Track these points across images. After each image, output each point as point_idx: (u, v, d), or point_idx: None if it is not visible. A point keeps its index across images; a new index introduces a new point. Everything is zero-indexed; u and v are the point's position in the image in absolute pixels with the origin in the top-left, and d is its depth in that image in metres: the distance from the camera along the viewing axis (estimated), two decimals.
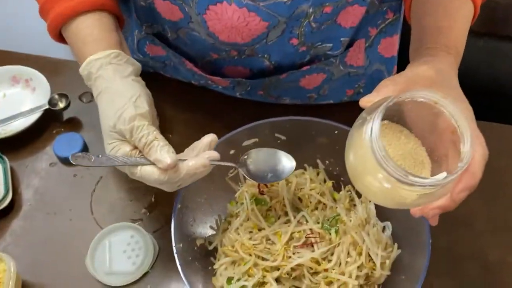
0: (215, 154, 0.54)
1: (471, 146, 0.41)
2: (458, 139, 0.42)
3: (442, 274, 0.64)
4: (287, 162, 0.61)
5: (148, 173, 0.52)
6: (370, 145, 0.41)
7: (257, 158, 0.60)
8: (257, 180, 0.60)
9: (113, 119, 0.53)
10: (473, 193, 0.71)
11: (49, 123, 0.82)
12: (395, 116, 0.46)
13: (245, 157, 0.60)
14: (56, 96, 0.81)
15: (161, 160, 0.50)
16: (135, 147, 0.53)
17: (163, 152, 0.51)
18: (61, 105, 0.81)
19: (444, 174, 0.42)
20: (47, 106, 0.80)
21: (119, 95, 0.54)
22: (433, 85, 0.47)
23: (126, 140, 0.53)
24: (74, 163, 0.54)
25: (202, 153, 0.53)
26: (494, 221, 0.71)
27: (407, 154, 0.46)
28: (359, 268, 0.61)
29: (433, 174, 0.46)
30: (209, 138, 0.54)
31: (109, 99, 0.54)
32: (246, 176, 0.59)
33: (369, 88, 0.78)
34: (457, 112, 0.42)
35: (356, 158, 0.45)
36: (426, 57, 0.52)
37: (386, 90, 0.47)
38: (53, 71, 0.87)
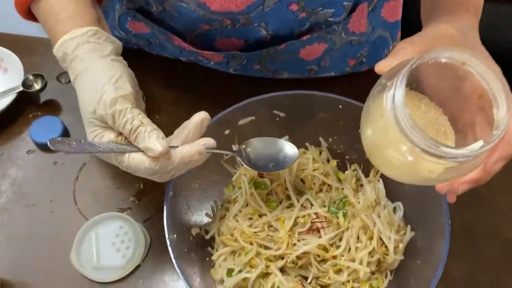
0: (211, 141, 0.48)
1: (508, 110, 0.36)
2: (487, 104, 0.37)
3: (457, 256, 0.60)
4: (289, 149, 0.56)
5: (137, 162, 0.46)
6: (392, 114, 0.36)
7: (257, 147, 0.55)
8: (258, 169, 0.55)
9: (92, 103, 0.47)
10: None
11: (24, 106, 0.76)
12: (413, 82, 0.41)
13: (244, 146, 0.55)
14: (31, 77, 0.74)
15: (151, 148, 0.45)
16: (121, 134, 0.47)
17: (152, 139, 0.45)
18: (37, 86, 0.74)
19: (480, 143, 0.37)
20: (21, 88, 0.74)
21: (98, 77, 0.48)
22: (456, 45, 0.41)
23: (110, 127, 0.47)
24: (53, 149, 0.48)
25: (197, 140, 0.48)
26: None
27: (428, 124, 0.41)
28: (371, 253, 0.56)
29: (457, 145, 0.41)
30: (200, 116, 0.49)
31: (87, 81, 0.48)
32: (246, 166, 0.54)
33: (372, 57, 0.72)
34: (489, 72, 0.37)
35: (376, 130, 0.40)
36: (445, 16, 0.46)
37: (404, 53, 0.42)
38: (26, 50, 0.80)
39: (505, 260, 0.62)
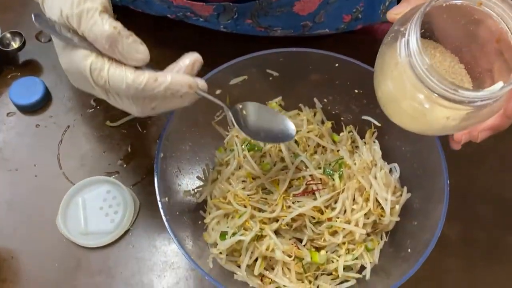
0: (202, 82, 0.44)
1: None
2: (506, 46, 0.36)
3: (451, 216, 0.59)
4: (288, 127, 0.51)
5: (118, 77, 0.39)
6: (408, 60, 0.34)
7: (254, 111, 0.50)
8: (247, 134, 0.49)
9: (59, 3, 0.40)
10: None
11: (2, 66, 0.71)
12: (427, 31, 0.39)
13: (240, 106, 0.49)
14: (8, 35, 0.70)
15: (132, 55, 0.39)
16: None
17: (133, 45, 0.40)
18: (15, 45, 0.70)
19: (500, 84, 0.35)
20: None
21: None
22: None
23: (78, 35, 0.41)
24: (37, 25, 0.41)
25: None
26: (507, 159, 0.66)
27: (444, 73, 0.39)
28: (366, 215, 0.55)
29: None
30: (192, 57, 0.43)
31: None
32: (235, 126, 0.48)
33: (368, 12, 0.69)
34: (508, 11, 0.35)
35: (391, 80, 0.38)
36: None
37: None
38: (2, 6, 0.76)
39: (498, 218, 0.62)
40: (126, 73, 0.40)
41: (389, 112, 0.41)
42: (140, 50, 0.41)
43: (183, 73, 0.43)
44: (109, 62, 0.40)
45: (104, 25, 0.39)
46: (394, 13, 0.39)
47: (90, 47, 0.40)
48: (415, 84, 0.35)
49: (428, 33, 0.39)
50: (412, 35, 0.34)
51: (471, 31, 0.38)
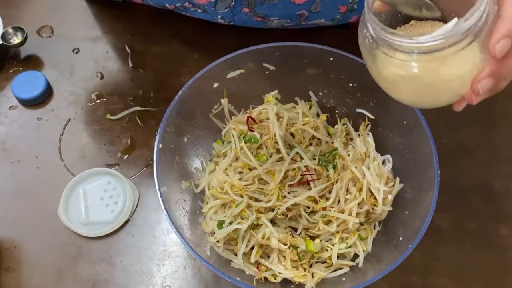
0: None
1: None
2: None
3: (443, 207, 0.60)
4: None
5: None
6: (373, 42, 0.37)
7: None
8: None
9: None
10: (474, 121, 0.69)
11: (5, 61, 0.73)
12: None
13: None
14: (10, 30, 0.72)
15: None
16: None
17: None
18: (17, 40, 0.71)
19: (454, 20, 0.35)
20: (0, 42, 0.71)
21: None
22: None
23: None
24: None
25: None
26: (496, 150, 0.67)
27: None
28: (360, 205, 0.56)
29: None
30: None
31: None
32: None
33: (363, 3, 0.70)
34: None
35: (378, 69, 0.39)
36: None
37: None
38: (4, 2, 0.77)
39: (489, 210, 0.64)
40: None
41: (396, 96, 0.42)
42: None
43: None
44: None
45: None
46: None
47: None
48: (390, 60, 0.36)
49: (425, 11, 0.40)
50: (368, 21, 0.36)
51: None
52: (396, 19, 0.42)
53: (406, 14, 0.41)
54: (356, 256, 0.57)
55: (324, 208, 0.56)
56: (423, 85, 0.38)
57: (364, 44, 0.40)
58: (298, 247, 0.55)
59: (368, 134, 0.62)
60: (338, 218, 0.56)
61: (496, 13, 0.36)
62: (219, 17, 0.67)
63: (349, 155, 0.59)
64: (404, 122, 0.57)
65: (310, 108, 0.65)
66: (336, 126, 0.64)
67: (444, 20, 0.40)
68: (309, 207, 0.56)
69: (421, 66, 0.37)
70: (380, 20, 0.38)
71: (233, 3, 0.64)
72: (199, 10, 0.67)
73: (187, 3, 0.65)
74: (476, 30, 0.35)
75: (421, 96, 0.40)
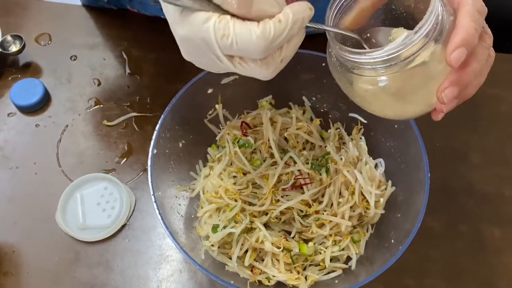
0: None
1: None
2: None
3: (436, 209, 0.62)
4: None
5: (246, 32, 0.35)
6: (339, 64, 0.39)
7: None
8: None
9: None
10: (466, 125, 0.70)
11: (3, 69, 0.74)
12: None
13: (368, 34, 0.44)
14: (9, 38, 0.73)
15: (268, 10, 0.35)
16: None
17: None
18: (15, 48, 0.73)
19: (404, 33, 0.37)
20: None
21: None
22: None
23: None
24: None
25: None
26: (489, 154, 0.68)
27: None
28: (352, 208, 0.57)
29: None
30: None
31: None
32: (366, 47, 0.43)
33: None
34: None
35: (350, 88, 0.41)
36: None
37: None
38: (3, 11, 0.78)
39: (481, 212, 0.64)
40: (252, 27, 0.35)
41: (370, 110, 0.43)
42: (276, 2, 0.36)
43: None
44: (232, 20, 0.35)
45: None
46: None
47: (211, 9, 0.36)
48: (352, 73, 0.39)
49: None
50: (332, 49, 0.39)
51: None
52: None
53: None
54: (349, 258, 0.57)
55: (317, 212, 0.57)
56: (392, 98, 0.39)
57: (333, 67, 0.42)
58: (291, 250, 0.56)
59: (360, 138, 0.63)
60: (331, 221, 0.57)
61: (452, 23, 0.37)
62: None
63: (341, 159, 0.59)
64: (396, 126, 0.58)
65: (303, 113, 0.65)
66: (329, 131, 0.65)
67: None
68: (302, 211, 0.57)
69: (387, 80, 0.38)
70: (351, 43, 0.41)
71: None
72: None
73: None
74: (432, 40, 0.36)
75: (392, 108, 0.42)
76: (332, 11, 0.41)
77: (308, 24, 0.38)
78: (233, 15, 0.35)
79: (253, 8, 0.35)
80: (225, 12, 0.35)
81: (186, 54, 0.39)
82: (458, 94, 0.38)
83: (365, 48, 0.41)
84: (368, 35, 0.42)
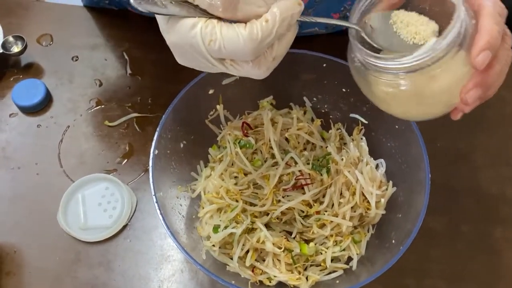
0: None
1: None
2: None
3: (438, 210, 0.61)
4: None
5: (233, 35, 0.35)
6: (361, 66, 0.39)
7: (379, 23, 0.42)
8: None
9: None
10: (467, 126, 0.70)
11: (5, 69, 0.74)
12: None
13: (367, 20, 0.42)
14: (11, 39, 0.73)
15: (253, 10, 0.35)
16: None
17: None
18: (17, 48, 0.73)
19: (433, 40, 0.37)
20: (1, 50, 0.72)
21: None
22: None
23: None
24: (137, 7, 0.36)
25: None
26: (491, 154, 0.68)
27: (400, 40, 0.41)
28: (353, 208, 0.57)
29: None
30: None
31: None
32: (369, 41, 0.41)
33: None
34: None
35: (370, 89, 0.41)
36: None
37: None
38: (4, 12, 0.78)
39: (483, 212, 0.64)
40: (239, 29, 0.35)
41: (389, 112, 0.43)
42: (262, 2, 0.36)
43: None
44: (219, 24, 0.35)
45: None
46: None
47: (198, 14, 0.36)
48: (373, 76, 0.39)
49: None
50: (356, 50, 0.39)
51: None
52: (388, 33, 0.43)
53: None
54: (350, 259, 0.57)
55: (318, 212, 0.57)
56: (413, 100, 0.40)
57: (354, 67, 0.42)
58: (292, 251, 0.56)
59: (361, 139, 0.63)
60: (332, 221, 0.57)
61: (474, 26, 0.37)
62: None
63: (342, 159, 0.59)
64: (397, 126, 0.58)
65: (304, 113, 0.66)
66: (330, 131, 0.65)
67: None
68: (303, 211, 0.57)
69: (409, 83, 0.38)
70: (370, 36, 0.40)
71: None
72: None
73: None
74: (456, 45, 0.37)
75: (412, 110, 0.42)
76: (358, 7, 0.41)
77: (300, 18, 0.37)
78: (220, 19, 0.35)
79: (239, 10, 0.35)
80: (212, 16, 0.35)
81: (179, 59, 0.40)
82: (481, 95, 0.39)
83: (365, 39, 0.41)
84: (366, 21, 0.41)
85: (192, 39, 0.36)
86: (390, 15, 0.41)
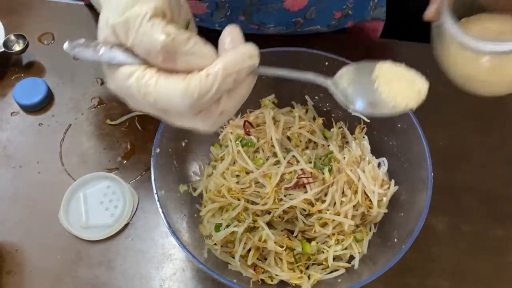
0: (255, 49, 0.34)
1: None
2: None
3: (439, 209, 0.61)
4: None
5: (168, 89, 0.32)
6: (455, 41, 0.38)
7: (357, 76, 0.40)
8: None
9: (108, 12, 0.34)
10: (470, 125, 0.70)
11: (6, 68, 0.74)
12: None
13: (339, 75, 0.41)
14: (12, 38, 0.73)
15: (197, 62, 0.32)
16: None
17: (196, 49, 0.32)
18: (18, 47, 0.73)
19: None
20: (2, 49, 0.72)
21: None
22: None
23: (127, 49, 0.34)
24: (71, 54, 0.37)
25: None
26: (492, 153, 0.68)
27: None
28: (355, 207, 0.57)
29: None
30: (229, 31, 0.35)
31: None
32: (338, 100, 0.40)
33: (358, 8, 0.71)
34: None
35: (457, 64, 0.41)
36: None
37: None
38: (6, 10, 0.78)
39: (485, 211, 0.64)
40: (176, 83, 0.32)
41: (476, 90, 0.43)
42: (205, 54, 0.33)
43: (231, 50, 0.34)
44: (157, 75, 0.32)
45: (154, 34, 0.31)
46: (430, 12, 0.41)
47: (139, 61, 0.33)
48: (477, 58, 0.39)
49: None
50: (445, 17, 0.38)
51: None
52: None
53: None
54: (352, 258, 0.57)
55: (320, 211, 0.57)
56: (493, 79, 0.40)
57: (438, 37, 0.41)
58: (294, 249, 0.56)
59: (363, 137, 0.63)
60: (333, 220, 0.56)
61: None
62: (217, 25, 0.69)
63: (344, 158, 0.59)
64: (399, 125, 0.58)
65: (306, 112, 0.65)
66: (332, 130, 0.65)
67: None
68: (305, 210, 0.57)
69: (496, 62, 0.39)
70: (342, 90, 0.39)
71: (229, 12, 0.65)
72: (197, 19, 0.68)
73: None
74: None
75: (490, 86, 0.42)
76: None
77: (259, 71, 0.34)
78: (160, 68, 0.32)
79: (179, 62, 0.32)
80: (152, 65, 0.33)
81: (131, 107, 0.36)
82: None
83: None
84: (339, 76, 0.40)
85: (128, 89, 0.33)
86: (371, 68, 0.39)
